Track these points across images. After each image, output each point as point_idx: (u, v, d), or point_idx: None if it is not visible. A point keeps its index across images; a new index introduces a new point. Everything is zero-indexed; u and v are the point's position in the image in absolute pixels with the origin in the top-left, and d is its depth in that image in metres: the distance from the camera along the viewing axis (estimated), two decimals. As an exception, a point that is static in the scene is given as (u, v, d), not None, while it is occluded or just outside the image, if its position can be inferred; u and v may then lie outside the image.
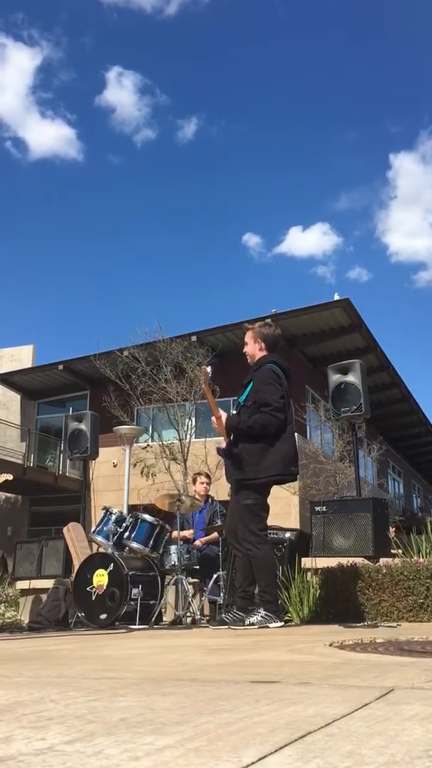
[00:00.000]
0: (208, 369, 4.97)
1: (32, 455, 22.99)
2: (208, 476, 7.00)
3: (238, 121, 45.89)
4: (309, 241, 51.59)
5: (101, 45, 44.88)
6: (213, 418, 4.65)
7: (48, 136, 47.49)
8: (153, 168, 46.27)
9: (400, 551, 5.34)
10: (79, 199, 45.42)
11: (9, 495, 22.68)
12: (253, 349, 4.80)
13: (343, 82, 48.03)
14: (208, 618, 5.96)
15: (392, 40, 46.88)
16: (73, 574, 5.80)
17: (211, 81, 47.58)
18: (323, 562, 5.34)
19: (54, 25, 45.75)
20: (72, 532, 6.70)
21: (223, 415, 4.60)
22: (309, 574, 5.46)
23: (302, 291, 50.74)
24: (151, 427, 16.99)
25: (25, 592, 7.40)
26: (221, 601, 5.59)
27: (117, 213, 46.85)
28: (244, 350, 4.88)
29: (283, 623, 4.43)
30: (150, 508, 6.67)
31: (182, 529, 5.84)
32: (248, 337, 4.86)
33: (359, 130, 47.80)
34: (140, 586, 5.07)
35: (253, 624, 4.24)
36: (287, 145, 47.93)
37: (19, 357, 24.24)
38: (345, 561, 5.16)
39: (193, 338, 17.53)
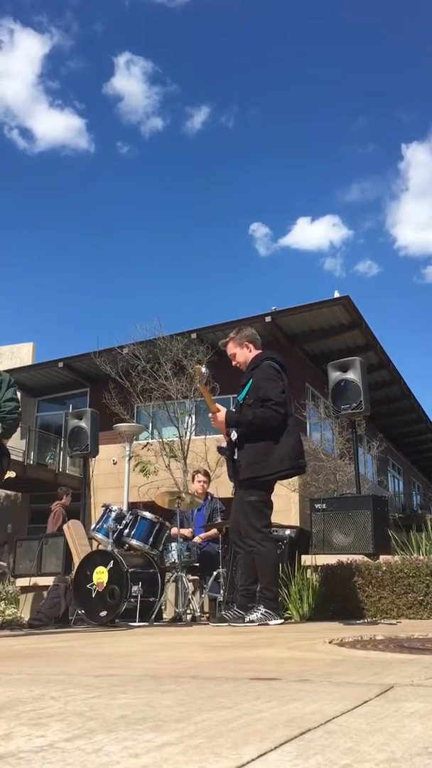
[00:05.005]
0: (203, 369, 4.91)
1: (32, 453, 23.00)
2: (206, 474, 6.98)
3: (248, 109, 45.74)
4: (317, 232, 51.59)
5: (111, 31, 44.62)
6: (210, 415, 4.62)
7: (54, 126, 47.24)
8: (160, 158, 46.19)
9: None
10: (82, 192, 45.37)
11: (9, 492, 22.70)
12: (243, 354, 4.75)
13: (355, 70, 48.03)
14: (208, 615, 5.97)
15: (403, 26, 46.78)
16: (73, 572, 5.81)
17: (221, 69, 47.55)
18: (323, 560, 5.34)
19: (64, 10, 45.40)
20: (72, 529, 6.71)
21: (222, 410, 4.57)
22: (309, 571, 5.46)
23: (308, 285, 50.79)
24: (151, 425, 16.99)
25: (25, 590, 7.41)
26: (221, 599, 5.59)
27: (120, 206, 46.90)
28: (235, 363, 4.79)
29: (282, 620, 4.43)
30: (150, 506, 6.68)
31: (182, 526, 5.84)
32: (232, 347, 4.78)
33: (371, 117, 47.72)
34: (140, 583, 5.08)
35: (253, 621, 4.24)
36: (298, 133, 47.93)
37: (19, 354, 24.23)
38: (345, 558, 5.16)
39: (193, 335, 17.52)
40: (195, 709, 1.21)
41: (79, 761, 0.85)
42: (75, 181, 45.77)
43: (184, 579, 5.55)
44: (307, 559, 5.53)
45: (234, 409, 4.68)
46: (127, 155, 44.53)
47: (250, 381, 4.58)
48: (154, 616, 5.30)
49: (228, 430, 4.59)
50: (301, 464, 4.55)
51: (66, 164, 43.86)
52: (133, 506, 7.64)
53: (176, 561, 5.53)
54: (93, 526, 5.94)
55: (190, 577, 6.14)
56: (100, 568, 5.10)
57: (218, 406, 4.60)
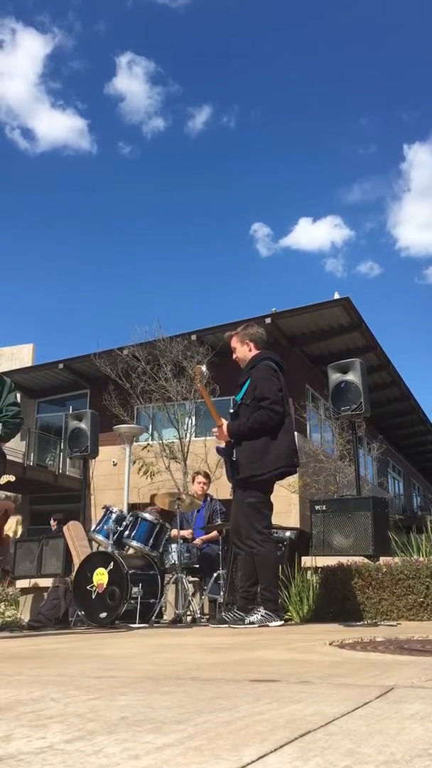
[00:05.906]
0: (203, 368, 4.91)
1: (32, 454, 23.00)
2: (206, 475, 6.98)
3: (250, 109, 45.73)
4: (319, 233, 51.59)
5: (113, 32, 44.56)
6: (215, 429, 4.63)
7: (56, 126, 47.15)
8: (161, 159, 46.18)
9: None
10: (83, 192, 45.37)
11: (9, 494, 22.67)
12: (243, 351, 4.78)
13: (356, 70, 48.05)
14: (208, 617, 5.97)
15: (405, 26, 46.75)
16: (73, 573, 5.80)
17: (222, 69, 47.57)
18: (323, 561, 5.34)
19: (67, 9, 45.33)
20: (72, 530, 6.70)
21: (224, 423, 4.58)
22: (309, 572, 5.47)
23: (310, 286, 50.70)
24: (151, 426, 16.98)
25: (25, 591, 7.40)
26: (221, 600, 5.59)
27: (121, 206, 46.86)
28: (234, 357, 4.83)
29: (283, 622, 4.43)
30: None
31: (182, 528, 5.84)
32: (235, 342, 4.82)
33: (372, 117, 47.71)
34: (140, 584, 5.08)
35: (253, 623, 4.24)
36: (300, 134, 47.96)
37: (19, 356, 24.25)
38: (345, 560, 5.16)
39: (193, 337, 17.53)
40: (195, 710, 1.21)
41: (79, 763, 0.85)
42: (76, 182, 45.84)
43: (184, 580, 5.55)
44: (307, 561, 5.53)
45: (232, 410, 4.69)
46: (128, 156, 44.60)
47: (248, 381, 4.60)
48: (154, 617, 5.30)
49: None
50: (296, 463, 4.59)
51: (67, 165, 43.93)
52: (133, 508, 7.63)
53: (176, 562, 5.53)
54: (93, 527, 5.94)
55: (190, 578, 6.14)
56: (100, 570, 5.10)
57: (222, 419, 4.60)
